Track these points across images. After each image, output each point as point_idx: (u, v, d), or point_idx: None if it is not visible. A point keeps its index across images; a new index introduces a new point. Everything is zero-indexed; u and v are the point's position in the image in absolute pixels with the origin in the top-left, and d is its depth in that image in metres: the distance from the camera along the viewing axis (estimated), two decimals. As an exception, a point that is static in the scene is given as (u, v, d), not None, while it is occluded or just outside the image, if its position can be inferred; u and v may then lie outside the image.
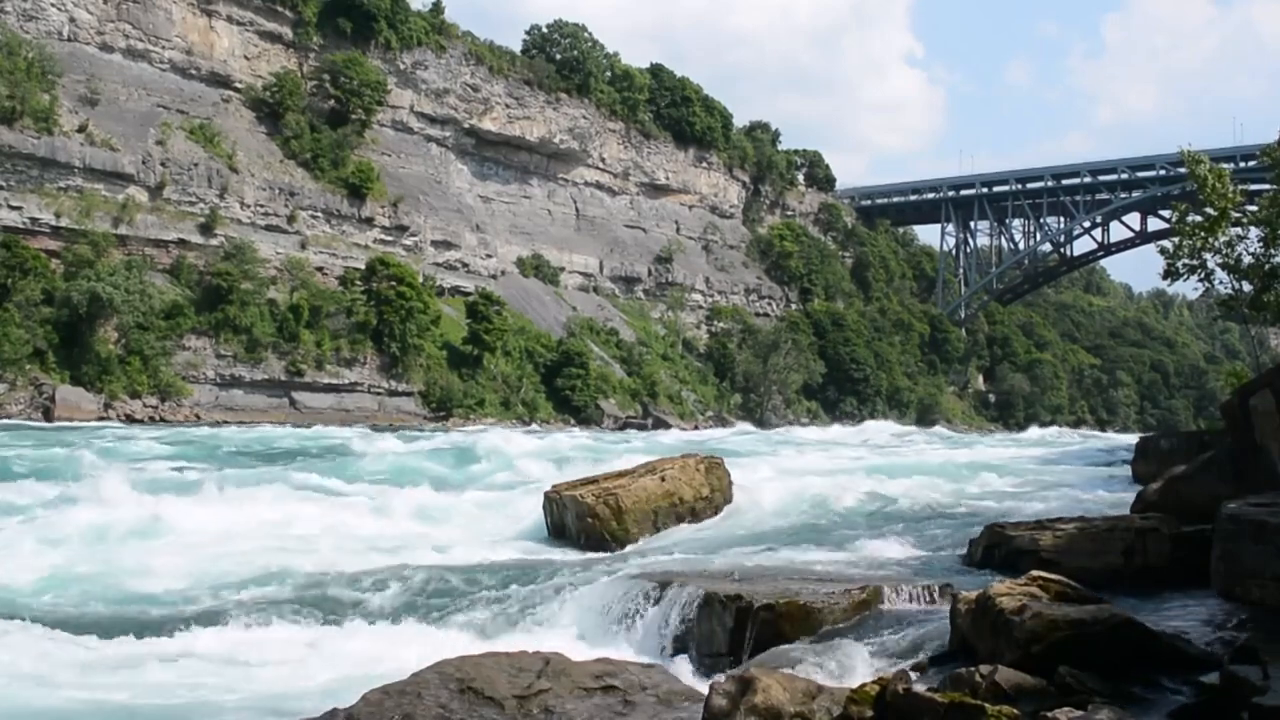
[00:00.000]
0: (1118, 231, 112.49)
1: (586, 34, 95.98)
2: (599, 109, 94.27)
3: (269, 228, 66.05)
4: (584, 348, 78.02)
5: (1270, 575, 7.41)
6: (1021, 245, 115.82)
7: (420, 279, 71.01)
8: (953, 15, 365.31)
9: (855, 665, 8.03)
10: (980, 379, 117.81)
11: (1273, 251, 25.08)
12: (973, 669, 6.72)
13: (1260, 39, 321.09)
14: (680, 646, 9.16)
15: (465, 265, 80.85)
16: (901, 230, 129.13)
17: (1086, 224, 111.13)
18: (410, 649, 9.42)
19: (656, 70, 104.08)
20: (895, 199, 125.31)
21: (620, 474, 16.25)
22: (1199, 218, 26.11)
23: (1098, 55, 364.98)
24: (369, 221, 72.67)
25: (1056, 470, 25.86)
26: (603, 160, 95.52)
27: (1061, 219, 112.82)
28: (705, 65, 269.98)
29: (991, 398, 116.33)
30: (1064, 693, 6.47)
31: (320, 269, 67.27)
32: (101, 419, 48.98)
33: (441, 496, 20.20)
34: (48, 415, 48.28)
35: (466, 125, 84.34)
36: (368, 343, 65.32)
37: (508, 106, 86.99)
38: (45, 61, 57.17)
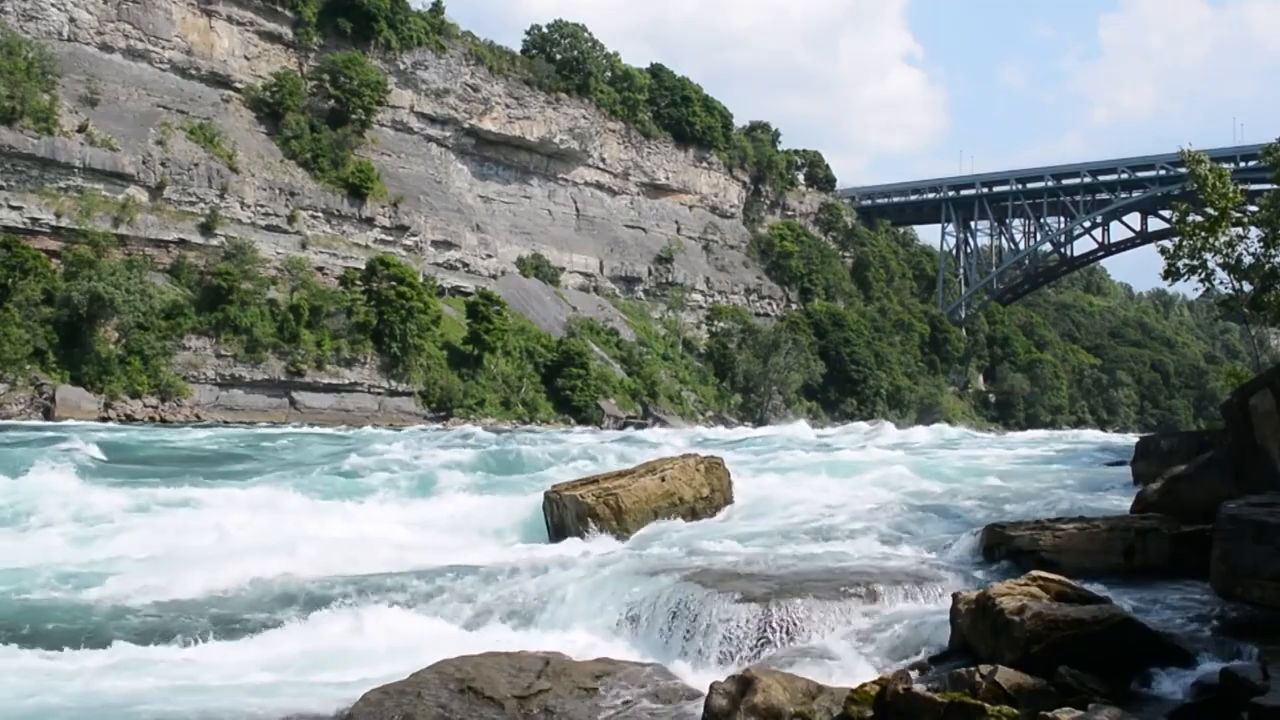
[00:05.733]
0: (1118, 231, 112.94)
1: (586, 34, 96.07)
2: (599, 109, 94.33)
3: (269, 228, 66.11)
4: (584, 348, 78.03)
5: (1270, 575, 7.40)
6: (1021, 245, 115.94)
7: (420, 279, 71.09)
8: (949, 16, 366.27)
9: (855, 665, 8.03)
10: (980, 379, 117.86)
11: (1273, 251, 25.11)
12: (973, 669, 6.72)
13: (1255, 40, 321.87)
14: (680, 645, 9.16)
15: (465, 265, 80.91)
16: (902, 230, 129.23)
17: (1086, 224, 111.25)
18: (410, 649, 9.41)
19: (656, 70, 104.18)
20: (895, 199, 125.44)
21: (620, 474, 16.24)
22: (1199, 218, 26.09)
23: (1094, 56, 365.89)
24: (369, 221, 72.71)
25: (1056, 470, 25.85)
26: (603, 160, 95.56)
27: (1061, 219, 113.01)
28: (701, 66, 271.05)
29: (991, 398, 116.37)
30: (1064, 693, 6.47)
31: (320, 269, 67.32)
32: (102, 419, 48.98)
33: (440, 497, 20.20)
34: (48, 415, 48.30)
35: (466, 125, 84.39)
36: (368, 343, 65.36)
37: (508, 106, 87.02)
38: (45, 61, 57.24)
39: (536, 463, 26.04)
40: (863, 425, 61.26)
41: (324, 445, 34.47)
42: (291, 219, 67.59)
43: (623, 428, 68.60)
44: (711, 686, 7.09)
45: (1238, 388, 12.21)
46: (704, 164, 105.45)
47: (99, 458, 25.28)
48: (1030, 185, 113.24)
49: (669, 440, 38.40)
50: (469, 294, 76.25)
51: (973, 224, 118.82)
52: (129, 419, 50.72)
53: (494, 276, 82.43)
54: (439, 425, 61.47)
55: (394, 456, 27.13)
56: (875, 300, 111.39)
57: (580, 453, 28.38)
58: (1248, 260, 25.65)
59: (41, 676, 8.66)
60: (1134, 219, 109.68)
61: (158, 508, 17.25)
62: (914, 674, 7.34)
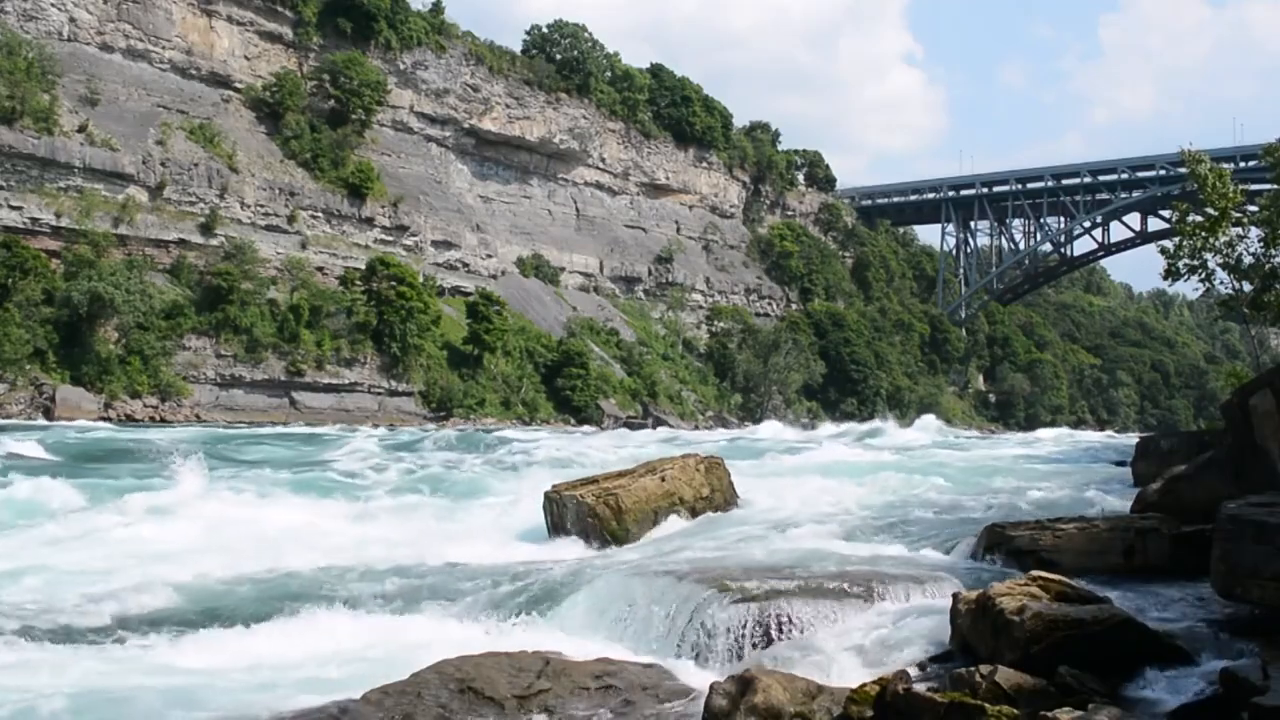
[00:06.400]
0: (1118, 231, 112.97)
1: (586, 34, 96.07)
2: (599, 109, 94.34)
3: (269, 228, 66.11)
4: (584, 348, 78.02)
5: (1270, 575, 7.40)
6: (1021, 245, 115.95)
7: (420, 279, 71.07)
8: (949, 16, 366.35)
9: (855, 665, 8.02)
10: (980, 379, 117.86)
11: (1273, 251, 25.12)
12: (973, 669, 6.73)
13: (1255, 40, 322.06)
14: (680, 645, 9.16)
15: (465, 265, 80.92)
16: (902, 230, 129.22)
17: (1087, 224, 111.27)
18: (409, 648, 9.41)
19: (656, 70, 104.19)
20: (895, 199, 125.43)
21: (620, 474, 16.23)
22: (1199, 218, 26.10)
23: (1094, 56, 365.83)
24: (369, 221, 72.71)
25: (1056, 470, 25.85)
26: (603, 160, 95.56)
27: (1062, 219, 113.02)
28: (701, 66, 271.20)
29: (992, 398, 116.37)
30: (1064, 693, 6.47)
31: (320, 269, 67.32)
32: (102, 419, 49.00)
33: (440, 497, 20.21)
34: (48, 415, 48.32)
35: (466, 125, 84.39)
36: (368, 343, 65.35)
37: (508, 106, 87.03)
38: (45, 61, 57.25)
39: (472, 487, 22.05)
40: (858, 427, 61.00)
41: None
42: (291, 219, 67.59)
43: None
44: (711, 686, 7.10)
45: (1238, 388, 12.21)
46: (704, 164, 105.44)
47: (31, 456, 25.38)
48: (1030, 185, 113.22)
49: (624, 443, 36.69)
50: (469, 294, 76.24)
51: (973, 224, 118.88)
52: (129, 419, 50.75)
53: (494, 276, 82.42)
54: (435, 425, 61.52)
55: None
56: (875, 300, 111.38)
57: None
58: (1248, 260, 25.68)
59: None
60: (1134, 219, 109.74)
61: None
62: (914, 674, 7.34)
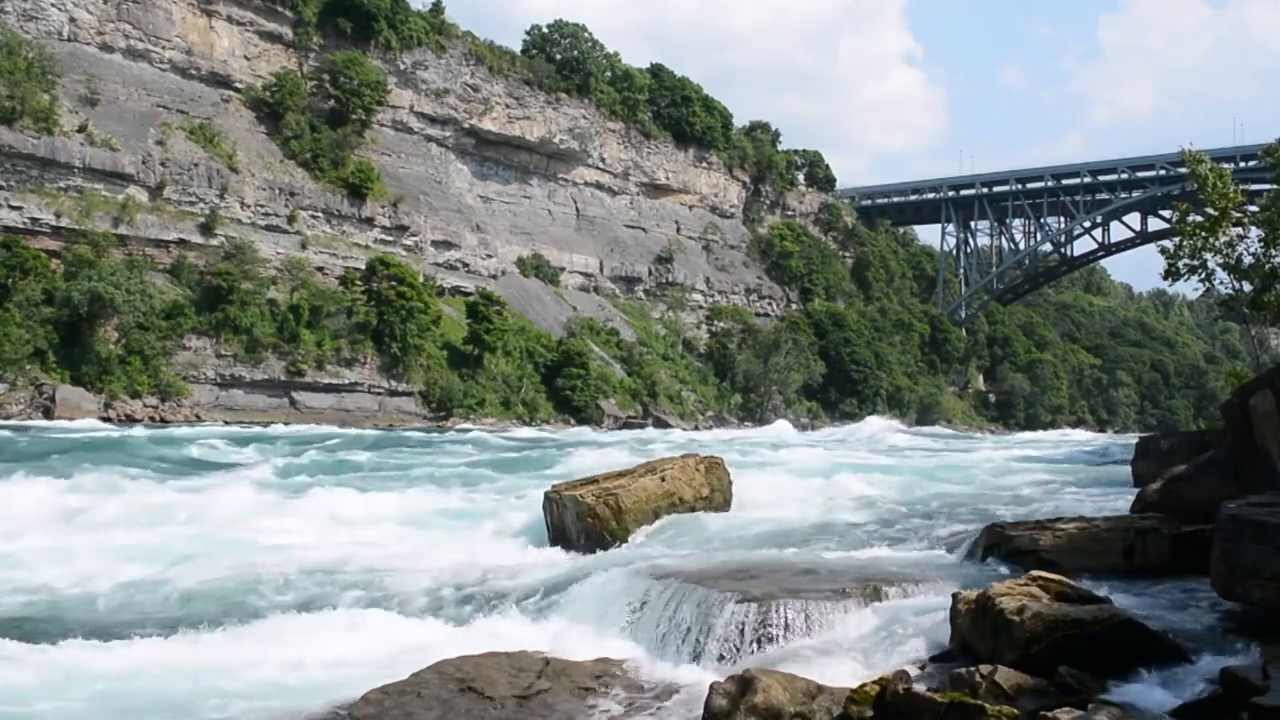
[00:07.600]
0: (1118, 231, 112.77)
1: (586, 34, 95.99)
2: (599, 109, 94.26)
3: (269, 228, 66.04)
4: (584, 348, 77.98)
5: (1270, 575, 7.41)
6: (1022, 245, 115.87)
7: (420, 279, 70.98)
8: (949, 16, 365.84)
9: (855, 665, 8.03)
10: (980, 379, 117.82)
11: (1273, 251, 25.12)
12: (973, 669, 6.73)
13: (1255, 40, 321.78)
14: (680, 645, 9.16)
15: (465, 265, 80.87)
16: (902, 230, 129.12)
17: (1087, 224, 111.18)
18: (410, 649, 9.41)
19: (656, 70, 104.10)
20: (895, 199, 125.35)
21: (620, 474, 16.24)
22: (1199, 218, 26.10)
23: (1094, 56, 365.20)
24: (369, 221, 72.67)
25: (1056, 470, 25.86)
26: (603, 160, 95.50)
27: (1062, 219, 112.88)
28: (701, 66, 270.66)
29: (991, 398, 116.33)
30: (1064, 692, 6.48)
31: (320, 269, 67.24)
32: (102, 419, 49.01)
33: (440, 497, 20.22)
34: (48, 415, 48.26)
35: (466, 125, 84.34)
36: (368, 343, 65.29)
37: (508, 106, 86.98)
38: (45, 61, 57.16)
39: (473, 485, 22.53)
40: (837, 431, 61.15)
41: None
42: (291, 219, 67.54)
43: (622, 428, 68.52)
44: (711, 686, 7.10)
45: (1238, 388, 12.22)
46: (704, 164, 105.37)
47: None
48: (1030, 185, 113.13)
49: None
50: (469, 294, 76.18)
51: (973, 224, 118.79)
52: (129, 419, 50.72)
53: (494, 276, 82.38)
54: (435, 425, 61.52)
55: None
56: (875, 300, 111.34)
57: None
58: (1248, 260, 25.68)
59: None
60: (1134, 219, 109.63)
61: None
62: (914, 674, 7.34)
